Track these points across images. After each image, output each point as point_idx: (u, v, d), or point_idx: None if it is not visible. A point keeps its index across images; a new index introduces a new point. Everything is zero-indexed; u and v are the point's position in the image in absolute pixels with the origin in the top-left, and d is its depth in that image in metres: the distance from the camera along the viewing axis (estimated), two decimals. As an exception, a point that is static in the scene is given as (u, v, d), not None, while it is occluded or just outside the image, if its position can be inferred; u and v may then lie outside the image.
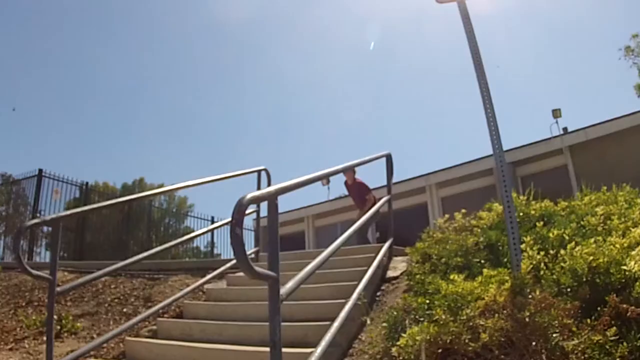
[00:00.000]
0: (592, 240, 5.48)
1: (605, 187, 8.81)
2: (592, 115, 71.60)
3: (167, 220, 37.45)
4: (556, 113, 21.22)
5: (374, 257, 7.94)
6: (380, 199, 9.73)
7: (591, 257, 4.89)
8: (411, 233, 9.00)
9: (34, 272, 6.09)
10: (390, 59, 74.84)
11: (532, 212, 7.69)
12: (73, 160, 72.55)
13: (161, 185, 47.10)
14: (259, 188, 10.45)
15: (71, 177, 21.74)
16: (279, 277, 4.19)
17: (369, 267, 7.46)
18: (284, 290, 4.27)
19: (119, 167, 76.54)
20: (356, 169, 13.35)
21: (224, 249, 24.91)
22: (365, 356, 5.39)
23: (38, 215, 19.65)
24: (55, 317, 8.36)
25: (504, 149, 16.50)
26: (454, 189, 22.06)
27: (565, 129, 20.89)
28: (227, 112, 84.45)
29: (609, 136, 18.69)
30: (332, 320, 5.59)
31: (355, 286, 6.65)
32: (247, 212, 4.60)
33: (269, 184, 10.59)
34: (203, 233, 13.19)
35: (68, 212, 7.36)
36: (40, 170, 20.60)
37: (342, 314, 5.72)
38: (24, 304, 10.68)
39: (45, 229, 21.56)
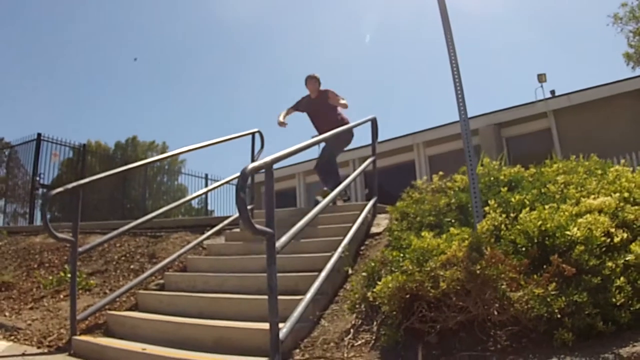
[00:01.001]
0: (547, 206, 6.04)
1: (573, 157, 9.33)
2: (583, 80, 72.39)
3: (160, 177, 37.99)
4: (541, 77, 21.53)
5: (359, 215, 8.59)
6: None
7: (540, 222, 5.46)
8: (399, 190, 9.31)
9: (60, 235, 6.59)
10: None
11: (502, 177, 8.11)
12: (64, 122, 72.82)
13: (152, 143, 47.54)
14: (253, 150, 11.54)
15: (66, 139, 22.28)
16: (275, 233, 5.01)
17: (353, 223, 8.14)
18: (279, 243, 5.14)
19: (112, 125, 76.83)
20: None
21: (217, 206, 25.48)
22: (347, 302, 5.98)
23: (38, 178, 20.97)
24: (53, 278, 9.80)
25: (490, 110, 16.93)
26: (440, 147, 22.46)
27: (552, 92, 21.38)
28: (221, 70, 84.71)
29: (593, 102, 19.21)
30: (320, 271, 6.33)
31: (341, 241, 7.35)
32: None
33: (262, 146, 11.59)
34: (204, 193, 14.04)
35: (87, 180, 7.78)
36: (39, 135, 21.26)
37: (328, 266, 6.47)
38: (35, 265, 11.38)
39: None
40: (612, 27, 25.96)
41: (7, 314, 8.92)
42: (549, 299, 4.64)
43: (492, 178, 8.19)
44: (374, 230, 8.85)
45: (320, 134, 10.30)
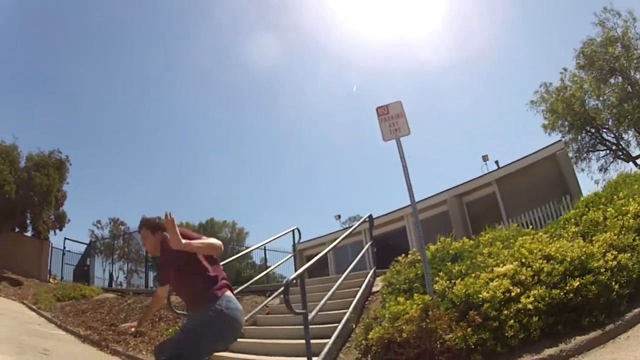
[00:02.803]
0: (473, 274, 7.03)
1: (500, 226, 10.14)
2: (519, 151, 73.27)
3: (231, 245, 39.55)
4: (485, 158, 22.68)
5: (364, 281, 9.66)
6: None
7: (465, 288, 6.48)
8: (397, 251, 9.97)
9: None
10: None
11: (451, 250, 8.80)
12: (151, 206, 74.11)
13: (225, 222, 48.66)
14: (293, 242, 12.94)
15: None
16: (307, 312, 6.25)
17: (359, 287, 9.23)
18: (310, 316, 6.42)
19: (193, 208, 77.96)
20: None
21: (273, 262, 25.58)
22: (354, 343, 7.11)
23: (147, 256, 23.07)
24: (171, 329, 10.86)
25: (454, 184, 17.60)
26: (421, 215, 22.66)
27: (497, 162, 22.28)
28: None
29: (521, 169, 19.96)
30: (339, 322, 7.60)
31: (352, 301, 8.51)
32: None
33: (299, 237, 12.99)
34: (269, 271, 14.64)
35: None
36: None
37: (343, 320, 7.69)
38: (157, 319, 12.27)
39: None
40: (530, 110, 26.95)
41: (144, 352, 10.18)
42: (467, 337, 5.72)
43: (445, 252, 8.86)
44: (374, 289, 9.64)
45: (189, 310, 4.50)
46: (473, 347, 5.70)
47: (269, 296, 11.39)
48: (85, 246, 29.81)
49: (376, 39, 73.23)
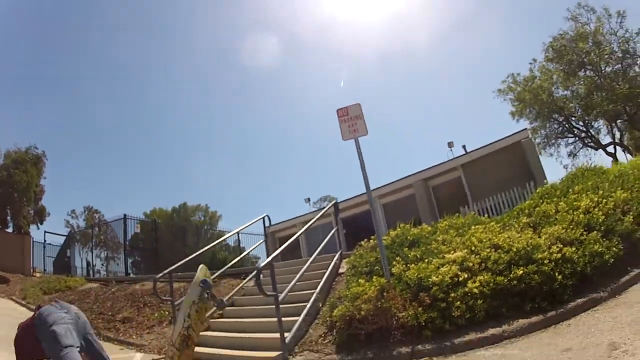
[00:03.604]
0: (427, 260, 7.70)
1: (465, 209, 10.77)
2: (487, 136, 74.27)
3: (206, 227, 40.32)
4: (450, 144, 23.50)
5: (330, 263, 10.32)
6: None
7: (417, 273, 7.18)
8: (367, 232, 10.25)
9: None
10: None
11: (409, 236, 9.41)
12: (124, 192, 74.35)
13: (199, 205, 48.97)
14: (264, 227, 13.71)
15: (140, 216, 25.52)
16: (277, 294, 6.96)
17: (327, 269, 9.90)
18: (281, 297, 7.14)
19: (166, 194, 77.94)
20: None
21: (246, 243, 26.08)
22: (321, 320, 7.89)
23: (126, 243, 24.31)
24: (156, 314, 11.52)
25: (422, 168, 18.04)
26: (389, 198, 23.71)
27: (464, 146, 23.00)
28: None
29: (485, 156, 20.69)
30: (308, 301, 8.26)
31: (319, 282, 9.20)
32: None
33: (270, 223, 13.72)
34: (243, 256, 15.06)
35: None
36: (125, 215, 23.62)
37: (311, 300, 8.36)
38: (142, 305, 12.80)
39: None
40: (497, 98, 27.56)
41: (134, 336, 10.66)
42: (418, 315, 6.46)
43: (404, 237, 9.47)
44: (341, 270, 10.23)
45: None
46: (424, 324, 6.39)
47: (244, 279, 11.92)
48: (63, 238, 30.30)
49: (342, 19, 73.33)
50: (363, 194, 24.65)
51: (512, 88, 27.23)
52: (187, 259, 10.50)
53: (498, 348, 5.74)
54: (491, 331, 6.07)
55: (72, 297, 17.04)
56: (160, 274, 9.73)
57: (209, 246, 12.17)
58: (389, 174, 75.59)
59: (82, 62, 72.28)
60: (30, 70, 65.90)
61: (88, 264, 29.73)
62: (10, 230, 27.66)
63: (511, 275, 6.59)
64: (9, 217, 27.34)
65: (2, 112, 57.45)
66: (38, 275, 25.90)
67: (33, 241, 27.77)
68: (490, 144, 20.86)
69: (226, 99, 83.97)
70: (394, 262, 8.11)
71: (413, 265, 7.70)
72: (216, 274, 11.02)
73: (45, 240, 28.31)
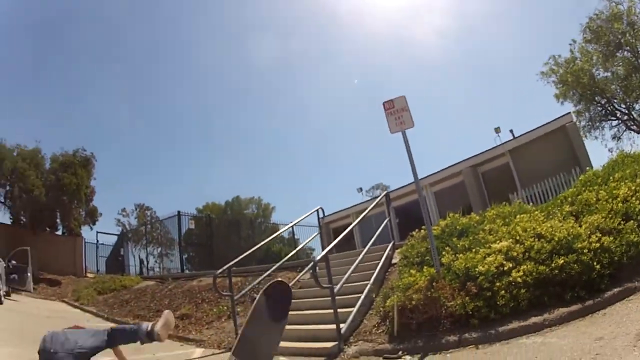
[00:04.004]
0: (474, 249, 8.14)
1: (505, 202, 11.00)
2: (535, 119, 73.41)
3: (260, 219, 41.39)
4: (497, 129, 23.49)
5: (383, 254, 10.89)
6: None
7: (464, 263, 7.66)
8: (418, 221, 10.00)
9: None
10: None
11: (458, 226, 9.78)
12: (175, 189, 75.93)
13: (252, 198, 50.02)
14: (318, 219, 14.43)
15: (191, 210, 27.14)
16: (333, 286, 7.64)
17: (380, 260, 10.48)
18: (336, 289, 7.87)
19: (218, 187, 79.40)
20: None
21: (300, 234, 26.47)
22: (375, 310, 8.51)
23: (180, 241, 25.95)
24: (215, 309, 12.21)
25: (471, 155, 18.11)
26: (440, 185, 24.04)
27: (511, 131, 22.83)
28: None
29: (533, 140, 20.74)
30: (362, 293, 8.92)
31: (372, 273, 9.82)
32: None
33: (323, 214, 14.18)
34: (298, 249, 15.46)
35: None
36: (179, 211, 25.59)
37: (365, 291, 9.01)
38: (200, 301, 13.52)
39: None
40: (541, 81, 27.19)
41: (193, 332, 11.32)
42: (465, 304, 6.98)
43: (454, 227, 9.87)
44: (394, 261, 10.79)
45: None
46: (471, 313, 6.89)
47: (300, 272, 12.54)
48: (115, 237, 32.61)
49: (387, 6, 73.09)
50: (413, 182, 24.86)
51: (554, 70, 26.67)
52: (245, 254, 11.18)
53: (538, 336, 6.12)
54: (533, 320, 6.46)
55: (127, 295, 18.13)
56: (220, 270, 10.42)
57: (265, 240, 12.91)
58: (437, 160, 75.17)
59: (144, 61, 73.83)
60: (87, 69, 67.61)
61: (141, 261, 31.47)
62: (60, 232, 29.13)
63: (553, 265, 6.94)
64: (58, 220, 28.55)
65: (54, 114, 59.68)
66: (91, 275, 27.47)
67: (85, 242, 29.50)
68: (536, 128, 20.92)
69: (267, 89, 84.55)
70: (444, 252, 8.55)
71: (461, 255, 8.15)
72: (273, 268, 11.82)
73: (97, 241, 30.35)
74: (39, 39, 63.59)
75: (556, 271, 6.88)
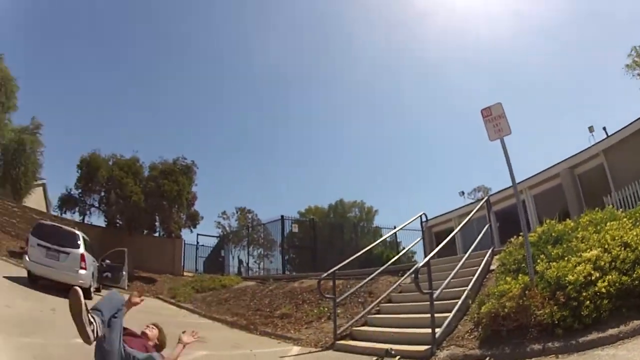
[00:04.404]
0: (566, 258, 8.41)
1: (597, 209, 10.80)
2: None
3: (362, 223, 42.74)
4: (591, 128, 22.99)
5: (482, 260, 11.41)
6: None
7: (555, 271, 8.03)
8: (517, 225, 10.03)
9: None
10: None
11: (554, 233, 10.03)
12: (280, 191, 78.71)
13: (355, 202, 51.59)
14: (421, 225, 15.66)
15: (293, 214, 29.39)
16: (433, 292, 8.42)
17: (479, 267, 11.02)
18: (435, 294, 8.66)
19: (322, 191, 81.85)
20: None
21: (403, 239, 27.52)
22: (470, 316, 9.09)
23: (282, 241, 28.71)
24: (315, 310, 13.09)
25: (569, 155, 20.03)
26: (539, 188, 23.81)
27: (604, 128, 22.27)
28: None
29: (625, 139, 19.76)
30: (459, 299, 9.57)
31: (471, 279, 10.41)
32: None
33: (426, 220, 15.48)
34: (402, 254, 16.08)
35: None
36: (282, 216, 27.83)
37: (463, 296, 9.66)
38: (300, 302, 14.42)
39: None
40: (626, 74, 26.16)
41: (292, 331, 12.29)
42: (553, 314, 7.43)
43: (549, 234, 10.15)
44: (492, 267, 11.27)
45: None
46: (557, 322, 7.30)
47: (401, 275, 13.09)
48: (214, 239, 35.92)
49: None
50: (510, 187, 24.55)
51: (638, 62, 25.73)
52: (350, 259, 12.11)
53: (612, 348, 6.41)
54: (610, 331, 6.70)
55: (227, 294, 19.48)
56: (325, 274, 11.48)
57: (371, 245, 14.08)
58: (535, 159, 73.66)
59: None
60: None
61: (240, 262, 33.85)
62: (159, 234, 32.49)
63: (634, 275, 7.11)
64: (157, 223, 31.72)
65: (162, 128, 63.06)
66: (189, 274, 30.20)
67: (185, 244, 32.77)
68: (628, 125, 20.01)
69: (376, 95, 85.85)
70: (538, 260, 8.93)
71: (554, 263, 8.49)
72: (376, 272, 12.61)
73: (197, 242, 33.54)
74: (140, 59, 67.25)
75: (637, 282, 7.04)
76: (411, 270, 11.01)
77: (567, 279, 7.71)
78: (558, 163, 22.99)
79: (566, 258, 8.51)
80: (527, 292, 8.08)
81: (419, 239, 16.45)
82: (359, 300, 13.04)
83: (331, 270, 11.34)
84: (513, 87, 75.99)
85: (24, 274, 15.51)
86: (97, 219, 32.75)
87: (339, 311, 11.54)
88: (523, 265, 9.35)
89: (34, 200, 30.08)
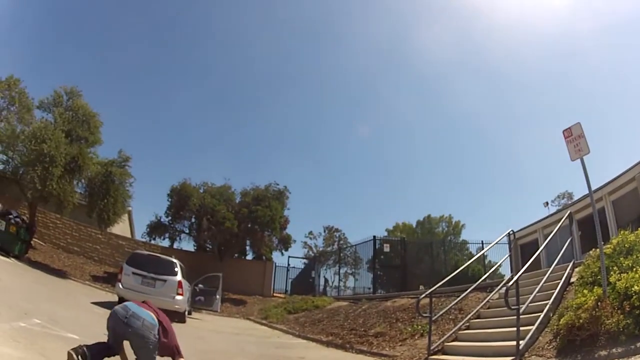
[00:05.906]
0: (634, 270, 9.40)
1: None
2: None
3: (450, 237, 44.26)
4: None
5: (564, 273, 12.59)
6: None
7: (624, 282, 9.13)
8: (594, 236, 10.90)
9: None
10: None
11: (627, 244, 10.77)
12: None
13: (442, 216, 53.00)
14: (509, 241, 16.69)
15: (388, 235, 32.40)
16: (519, 307, 9.70)
17: (560, 280, 12.19)
18: (522, 309, 9.95)
19: (409, 207, 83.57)
20: None
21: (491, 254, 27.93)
22: (550, 328, 10.36)
23: (376, 261, 30.69)
24: (409, 328, 14.22)
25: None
26: (617, 194, 23.91)
27: None
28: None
29: None
30: (541, 312, 10.87)
31: (553, 293, 11.58)
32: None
33: (514, 238, 16.75)
34: (491, 272, 17.21)
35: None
36: (374, 236, 29.77)
37: (545, 310, 10.90)
38: (394, 321, 15.54)
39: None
40: None
41: (387, 349, 13.52)
42: (619, 322, 8.64)
43: (623, 245, 11.00)
44: (572, 280, 12.35)
45: None
46: (621, 329, 8.42)
47: (490, 292, 14.34)
48: (303, 260, 39.05)
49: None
50: (585, 195, 23.67)
51: None
52: (447, 278, 13.58)
53: None
54: None
55: (320, 315, 20.84)
56: (423, 295, 12.86)
57: (465, 265, 15.38)
58: (613, 158, 73.17)
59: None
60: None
61: (326, 281, 35.61)
62: (250, 257, 35.80)
63: None
64: (247, 247, 35.07)
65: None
66: (280, 296, 32.63)
67: (275, 266, 35.81)
68: None
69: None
70: (612, 272, 9.96)
71: (624, 274, 9.53)
72: (468, 290, 13.87)
73: (288, 264, 36.47)
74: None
75: (696, 292, 8.03)
76: (500, 286, 12.72)
77: (633, 289, 8.81)
78: (634, 166, 22.89)
79: (634, 269, 9.53)
80: (599, 303, 9.21)
81: (506, 256, 17.13)
82: (450, 317, 14.13)
83: (429, 291, 12.71)
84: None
85: (110, 298, 17.39)
86: (187, 244, 35.89)
87: (432, 328, 12.65)
88: (599, 277, 10.31)
89: (119, 226, 32.11)
